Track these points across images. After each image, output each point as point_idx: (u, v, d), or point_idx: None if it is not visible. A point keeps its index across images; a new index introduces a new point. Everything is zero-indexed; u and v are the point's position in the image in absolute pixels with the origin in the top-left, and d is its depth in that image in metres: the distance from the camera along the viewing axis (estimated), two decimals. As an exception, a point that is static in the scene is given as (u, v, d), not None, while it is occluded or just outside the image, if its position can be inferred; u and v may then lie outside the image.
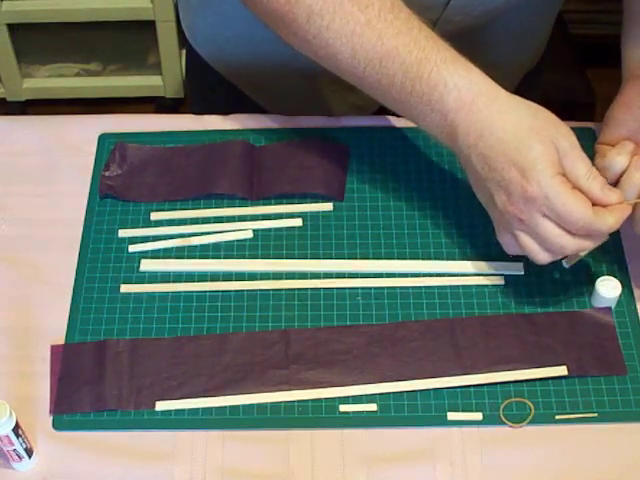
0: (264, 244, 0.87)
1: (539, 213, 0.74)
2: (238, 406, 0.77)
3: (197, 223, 0.89)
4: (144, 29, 1.94)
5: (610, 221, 0.74)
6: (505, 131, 0.74)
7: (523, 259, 0.84)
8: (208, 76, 1.06)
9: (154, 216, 0.89)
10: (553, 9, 0.99)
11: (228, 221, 0.89)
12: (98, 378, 0.78)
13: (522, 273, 0.84)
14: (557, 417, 0.76)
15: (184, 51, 1.16)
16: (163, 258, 0.86)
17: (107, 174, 0.91)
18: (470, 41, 0.91)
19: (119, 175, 0.92)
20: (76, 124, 0.97)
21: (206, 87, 1.10)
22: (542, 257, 0.77)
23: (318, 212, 0.89)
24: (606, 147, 0.82)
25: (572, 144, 0.75)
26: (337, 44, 0.77)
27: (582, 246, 0.76)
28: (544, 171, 0.73)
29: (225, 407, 0.77)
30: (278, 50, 0.91)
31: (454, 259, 0.86)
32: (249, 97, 1.05)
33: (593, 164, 0.77)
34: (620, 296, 0.82)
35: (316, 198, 0.90)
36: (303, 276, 0.85)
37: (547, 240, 0.75)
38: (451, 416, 0.76)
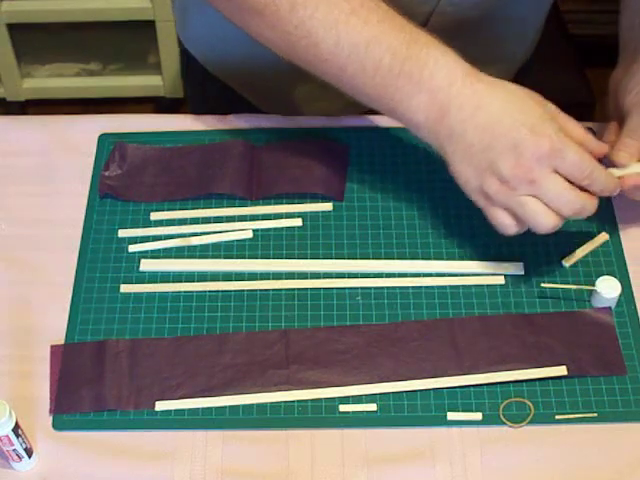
0: (264, 244, 0.87)
1: (550, 169, 0.75)
2: (238, 406, 0.77)
3: (197, 223, 0.89)
4: (144, 29, 1.94)
5: (610, 175, 0.78)
6: (503, 99, 0.76)
7: (524, 259, 0.84)
8: (203, 78, 1.06)
9: (154, 216, 0.89)
10: (546, 1, 0.99)
11: (228, 221, 0.89)
12: (98, 378, 0.78)
13: (522, 273, 0.84)
14: (557, 417, 0.76)
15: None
16: (163, 258, 0.86)
17: (107, 174, 0.92)
18: (465, 34, 0.91)
19: (119, 175, 0.92)
20: (76, 124, 0.97)
21: (201, 89, 1.10)
22: (549, 220, 0.76)
23: (318, 212, 0.89)
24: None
25: (556, 108, 0.78)
26: (320, 32, 0.76)
27: (585, 204, 0.77)
28: (552, 125, 0.75)
29: (225, 407, 0.77)
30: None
31: (454, 259, 0.86)
32: (245, 98, 1.05)
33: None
34: (620, 296, 0.82)
35: (316, 198, 0.90)
36: (303, 276, 0.85)
37: (557, 196, 0.75)
38: (451, 416, 0.76)
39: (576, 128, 0.78)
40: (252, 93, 1.05)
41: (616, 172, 0.81)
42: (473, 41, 0.93)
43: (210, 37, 1.00)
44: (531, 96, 0.77)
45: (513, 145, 0.74)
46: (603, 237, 0.87)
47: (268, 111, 0.99)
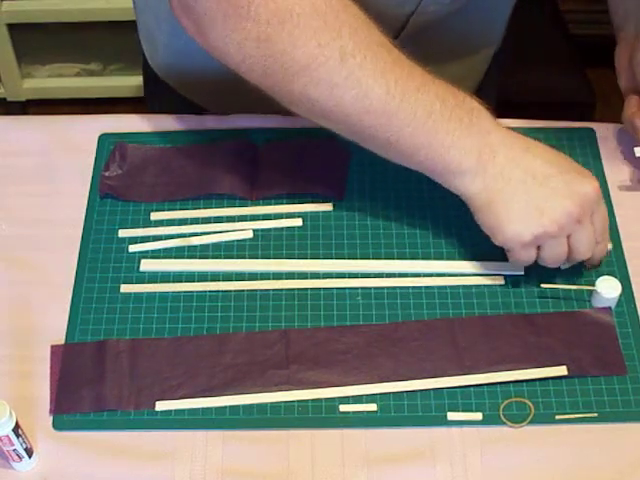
0: (264, 244, 0.87)
1: (590, 213, 0.78)
2: (238, 406, 0.77)
3: (197, 223, 0.89)
4: (144, 29, 1.94)
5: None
6: (542, 146, 0.80)
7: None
8: (163, 92, 1.05)
9: (154, 216, 0.89)
10: None
11: (228, 221, 0.89)
12: (98, 378, 0.78)
13: (522, 273, 0.84)
14: (557, 417, 0.76)
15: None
16: (163, 258, 0.86)
17: (107, 174, 0.92)
18: (440, 30, 0.91)
19: (119, 175, 0.92)
20: (76, 124, 0.97)
21: (160, 103, 1.09)
22: (563, 259, 0.81)
23: (318, 212, 0.89)
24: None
25: None
26: (370, 81, 0.75)
27: (590, 254, 0.81)
28: (591, 175, 0.79)
29: (225, 407, 0.77)
30: None
31: (454, 259, 0.86)
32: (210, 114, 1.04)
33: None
34: (620, 296, 0.82)
35: (316, 198, 0.90)
36: (303, 276, 0.85)
37: (587, 243, 0.79)
38: (451, 416, 0.76)
39: None
40: (216, 105, 1.03)
41: None
42: (447, 35, 0.93)
43: (182, 66, 1.00)
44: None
45: (563, 185, 0.77)
46: (603, 237, 0.87)
47: None
